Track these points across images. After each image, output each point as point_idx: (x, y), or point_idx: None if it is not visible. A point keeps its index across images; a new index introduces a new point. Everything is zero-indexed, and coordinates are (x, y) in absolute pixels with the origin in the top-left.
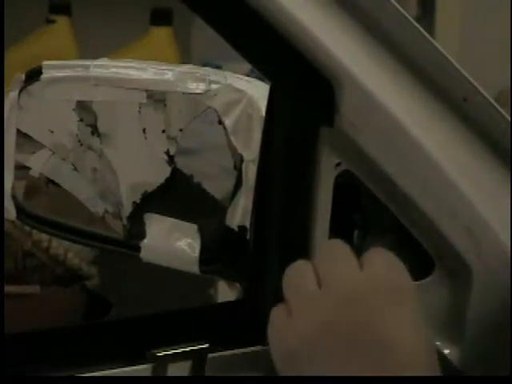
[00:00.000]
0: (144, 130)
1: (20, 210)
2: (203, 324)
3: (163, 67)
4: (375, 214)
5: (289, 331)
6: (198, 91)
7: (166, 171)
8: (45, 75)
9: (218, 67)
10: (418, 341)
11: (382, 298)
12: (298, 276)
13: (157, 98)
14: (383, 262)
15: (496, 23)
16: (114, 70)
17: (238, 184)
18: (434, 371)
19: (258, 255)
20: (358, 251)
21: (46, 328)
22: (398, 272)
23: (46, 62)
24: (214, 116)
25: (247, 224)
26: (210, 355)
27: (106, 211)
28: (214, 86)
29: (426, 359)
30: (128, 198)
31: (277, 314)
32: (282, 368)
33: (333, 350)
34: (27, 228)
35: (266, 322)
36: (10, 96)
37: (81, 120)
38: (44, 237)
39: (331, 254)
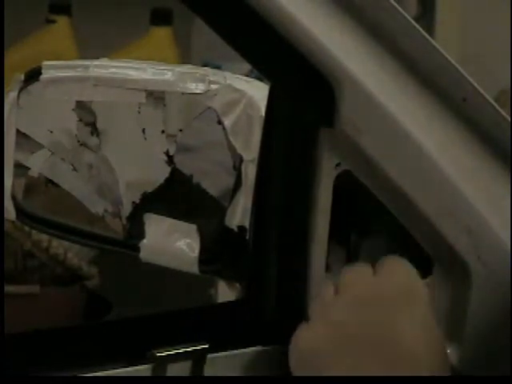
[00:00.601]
0: (143, 131)
1: (20, 210)
2: (203, 324)
3: (163, 67)
4: (374, 214)
5: (305, 332)
6: (198, 91)
7: (166, 171)
8: (44, 75)
9: (218, 67)
10: (429, 342)
11: (394, 300)
12: (319, 292)
13: (156, 96)
14: (395, 268)
15: (496, 23)
16: (113, 70)
17: (238, 184)
18: (443, 370)
19: (257, 255)
20: (355, 253)
21: (46, 328)
22: (411, 277)
23: (45, 62)
24: (213, 116)
25: (247, 224)
26: (210, 355)
27: (106, 211)
28: (213, 86)
29: (436, 359)
30: (127, 198)
31: (299, 326)
32: (297, 368)
33: (345, 348)
34: (27, 228)
35: (266, 322)
36: (10, 96)
37: (80, 120)
38: (44, 237)
39: (349, 267)
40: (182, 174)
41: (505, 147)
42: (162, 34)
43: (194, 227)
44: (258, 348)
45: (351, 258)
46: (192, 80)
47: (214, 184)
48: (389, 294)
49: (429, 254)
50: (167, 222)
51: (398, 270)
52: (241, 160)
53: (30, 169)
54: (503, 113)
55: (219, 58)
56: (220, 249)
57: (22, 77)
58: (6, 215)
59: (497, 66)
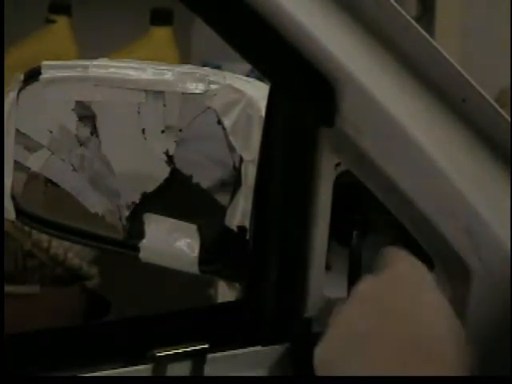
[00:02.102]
0: (143, 131)
1: (20, 210)
2: (203, 324)
3: (163, 67)
4: (375, 214)
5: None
6: (198, 91)
7: (166, 171)
8: (44, 75)
9: (218, 67)
10: (447, 326)
11: (404, 293)
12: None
13: (156, 96)
14: (396, 261)
15: (496, 23)
16: (113, 70)
17: (238, 184)
18: (461, 353)
19: (257, 255)
20: (355, 252)
21: (46, 328)
22: (413, 265)
23: (45, 62)
24: (213, 116)
25: (247, 224)
26: (210, 355)
27: (106, 211)
28: (213, 87)
29: (454, 339)
30: (127, 198)
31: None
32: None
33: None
34: (27, 228)
35: (266, 322)
36: (10, 96)
37: (80, 120)
38: (44, 237)
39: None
40: (182, 174)
41: (505, 147)
42: (162, 34)
43: (193, 227)
44: (258, 348)
45: (352, 257)
46: (192, 80)
47: (213, 184)
48: (398, 289)
49: (429, 253)
50: (167, 222)
51: (401, 262)
52: (241, 160)
53: (29, 169)
54: (503, 113)
55: (219, 58)
56: (220, 249)
57: (22, 77)
58: (6, 215)
59: (497, 66)
